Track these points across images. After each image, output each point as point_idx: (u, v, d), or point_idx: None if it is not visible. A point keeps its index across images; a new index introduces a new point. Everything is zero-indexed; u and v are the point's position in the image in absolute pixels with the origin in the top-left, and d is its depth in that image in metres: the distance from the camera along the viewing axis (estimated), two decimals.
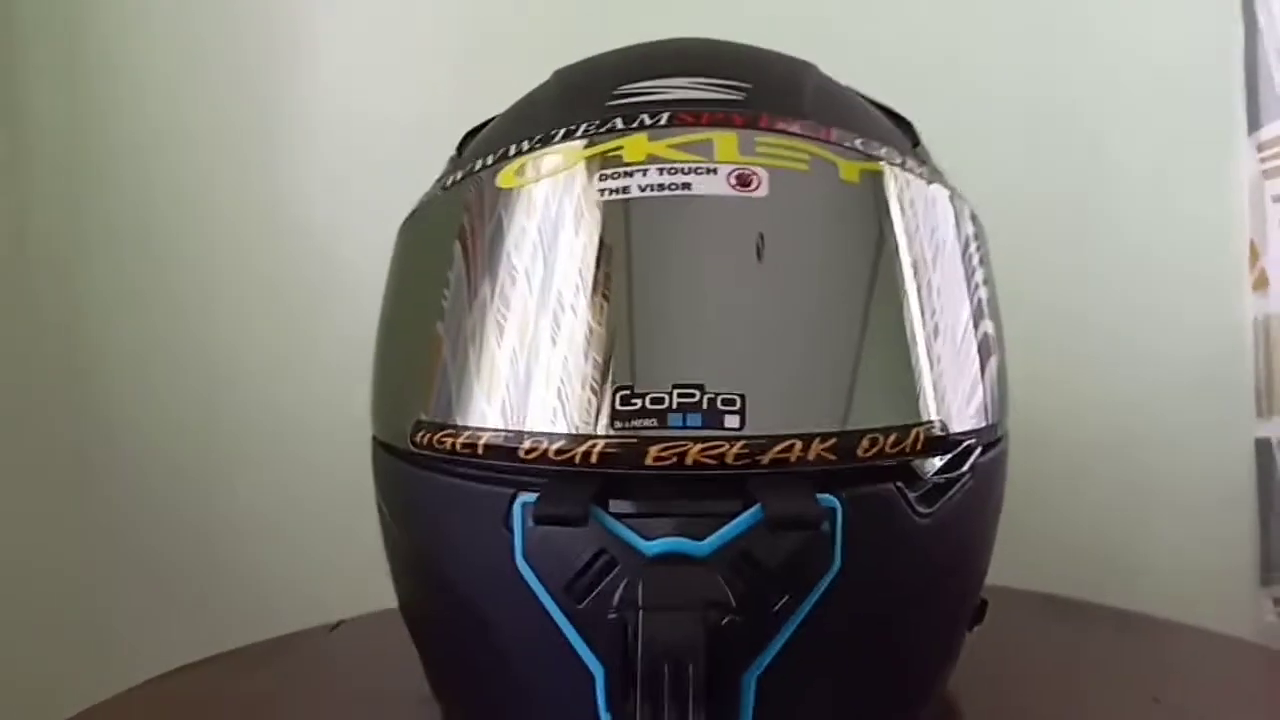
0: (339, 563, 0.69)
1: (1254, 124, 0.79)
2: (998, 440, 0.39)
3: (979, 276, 0.40)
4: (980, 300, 0.40)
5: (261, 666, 0.56)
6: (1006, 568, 0.43)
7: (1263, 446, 0.79)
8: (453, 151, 0.46)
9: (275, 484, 0.81)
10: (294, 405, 0.81)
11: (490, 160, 0.38)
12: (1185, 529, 0.79)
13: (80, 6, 0.83)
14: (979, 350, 0.38)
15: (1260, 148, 0.78)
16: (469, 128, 0.46)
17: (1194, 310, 0.81)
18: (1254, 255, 0.79)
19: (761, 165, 0.35)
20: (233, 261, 0.83)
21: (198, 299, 0.83)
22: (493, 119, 0.45)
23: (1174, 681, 0.50)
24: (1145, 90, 0.81)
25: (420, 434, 0.35)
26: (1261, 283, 0.78)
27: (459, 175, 0.39)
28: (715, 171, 0.35)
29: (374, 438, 0.41)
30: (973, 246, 0.40)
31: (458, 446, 0.34)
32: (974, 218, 0.41)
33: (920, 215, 0.38)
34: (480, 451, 0.33)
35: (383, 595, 0.43)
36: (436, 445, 0.34)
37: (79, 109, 0.84)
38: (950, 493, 0.35)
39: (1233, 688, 0.53)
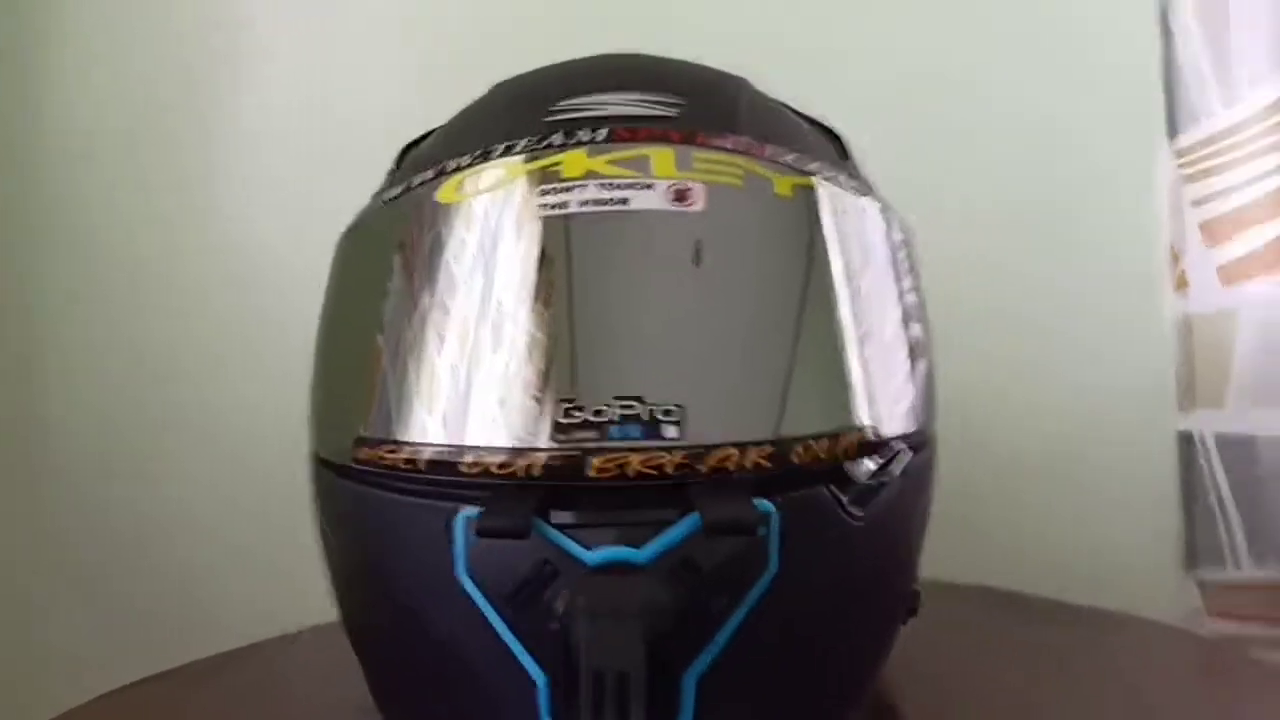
0: (280, 569, 0.69)
1: (1173, 131, 0.82)
2: (926, 443, 0.41)
3: (907, 283, 0.41)
4: (908, 305, 0.41)
5: (209, 681, 0.55)
6: (940, 562, 0.45)
7: (1185, 439, 0.82)
8: (390, 163, 0.46)
9: (210, 487, 0.80)
10: (231, 409, 0.81)
11: (430, 175, 0.39)
12: (1113, 520, 0.82)
13: (12, 7, 0.81)
14: (908, 354, 0.40)
15: (1179, 154, 0.81)
16: (407, 131, 0.46)
17: (1118, 311, 0.84)
18: (1174, 258, 0.82)
19: (698, 180, 0.36)
20: (168, 263, 0.82)
21: (132, 301, 0.82)
22: (431, 132, 0.45)
23: (1110, 668, 0.52)
24: (1066, 99, 0.83)
25: (361, 450, 0.36)
26: (1182, 284, 0.82)
27: (398, 191, 0.40)
28: (653, 187, 0.36)
29: (313, 454, 0.41)
30: (901, 254, 0.42)
31: (400, 463, 0.34)
32: (904, 226, 0.42)
33: (851, 227, 0.39)
34: (422, 467, 0.34)
35: (328, 606, 0.43)
36: (377, 461, 0.35)
37: (10, 109, 0.82)
38: (882, 495, 0.36)
39: (1166, 672, 0.55)
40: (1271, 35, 0.72)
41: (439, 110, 0.46)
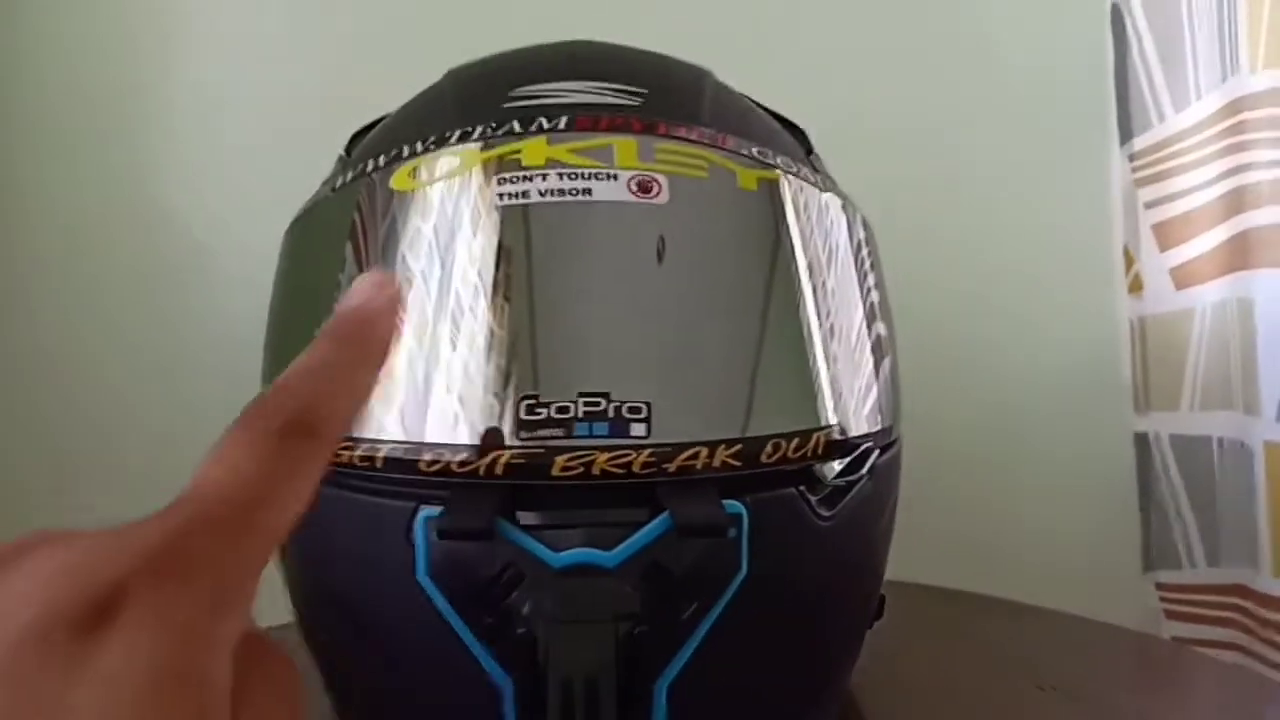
0: None
1: (1125, 135, 0.83)
2: (893, 443, 0.40)
3: (871, 280, 0.41)
4: (873, 303, 0.40)
5: None
6: (896, 562, 0.44)
7: (1141, 440, 0.83)
8: (335, 149, 0.45)
9: (141, 492, 0.77)
10: (160, 407, 0.78)
11: (383, 161, 0.37)
12: (1071, 521, 0.83)
13: None
14: (873, 352, 0.39)
15: (1132, 158, 0.82)
16: (352, 122, 0.45)
17: (1074, 314, 0.85)
18: (1129, 260, 0.83)
19: (661, 172, 0.35)
20: (97, 258, 0.79)
21: (60, 297, 0.79)
22: (382, 119, 0.44)
23: (1060, 668, 0.52)
24: (1021, 104, 0.84)
25: None
26: (1136, 286, 0.82)
27: (349, 176, 0.38)
28: (616, 177, 0.35)
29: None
30: (864, 251, 0.41)
31: (355, 460, 0.33)
32: (865, 224, 0.42)
33: (815, 222, 0.38)
34: (379, 464, 0.32)
35: (282, 609, 0.41)
36: (333, 459, 0.33)
37: None
38: (850, 495, 0.36)
39: (1117, 672, 0.55)
40: (1220, 41, 0.73)
41: (388, 100, 0.44)
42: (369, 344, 0.21)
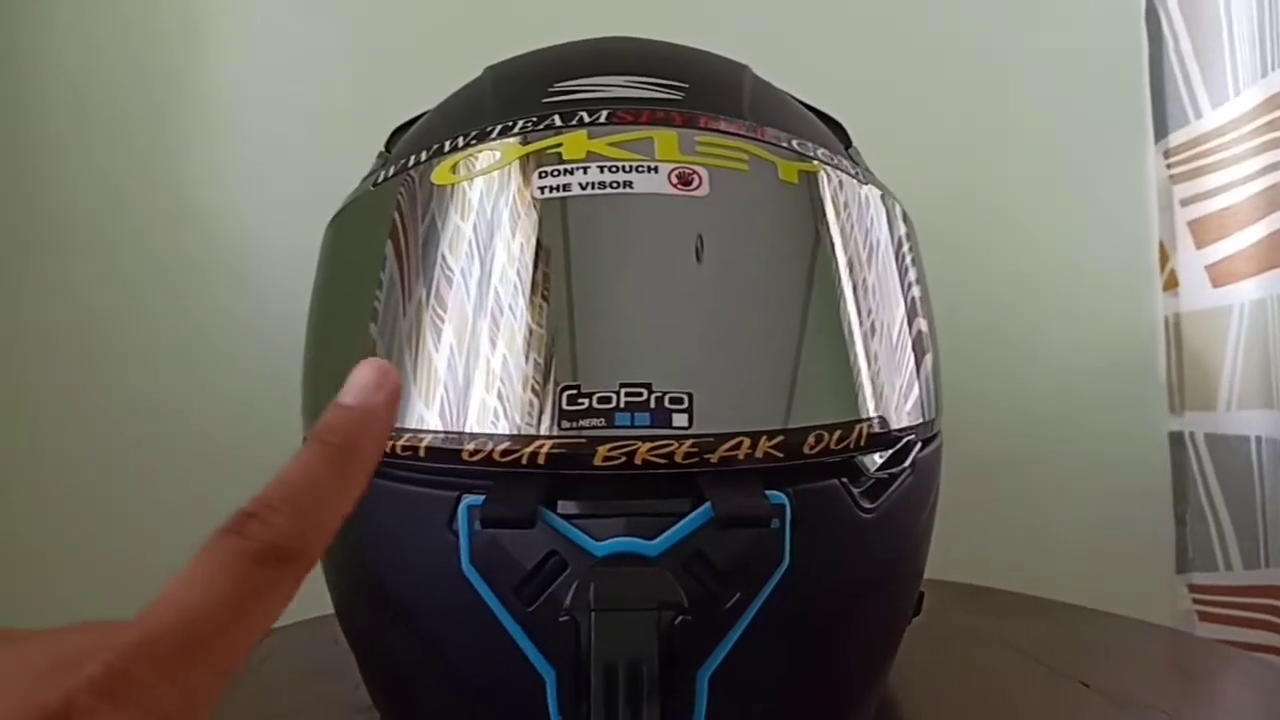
0: None
1: (1161, 131, 0.82)
2: (934, 436, 0.40)
3: (912, 276, 0.41)
4: (914, 299, 0.40)
5: None
6: (929, 561, 0.44)
7: (1176, 440, 0.82)
8: (368, 147, 0.45)
9: (180, 483, 0.78)
10: (196, 402, 0.78)
11: (424, 156, 0.37)
12: (1104, 521, 0.82)
13: None
14: (914, 348, 0.39)
15: (1167, 154, 0.81)
16: (386, 119, 0.45)
17: (1109, 311, 0.84)
18: (1164, 257, 0.82)
19: (702, 164, 0.35)
20: (137, 257, 0.80)
21: (97, 294, 0.80)
22: (422, 115, 0.44)
23: (1100, 666, 0.52)
24: (1056, 102, 0.84)
25: None
26: (1172, 283, 0.82)
27: (390, 171, 0.38)
28: (656, 170, 0.35)
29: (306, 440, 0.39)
30: (905, 246, 0.41)
31: (398, 449, 0.33)
32: (906, 217, 0.42)
33: (855, 215, 0.38)
34: (422, 454, 0.33)
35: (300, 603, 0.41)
36: None
37: None
38: (892, 488, 0.36)
39: (1156, 670, 0.54)
40: (1260, 37, 0.72)
41: (427, 97, 0.45)
42: (360, 454, 0.21)
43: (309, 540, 0.19)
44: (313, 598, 0.40)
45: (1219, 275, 0.77)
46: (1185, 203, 0.80)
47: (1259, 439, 0.73)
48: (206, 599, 0.17)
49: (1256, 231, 0.73)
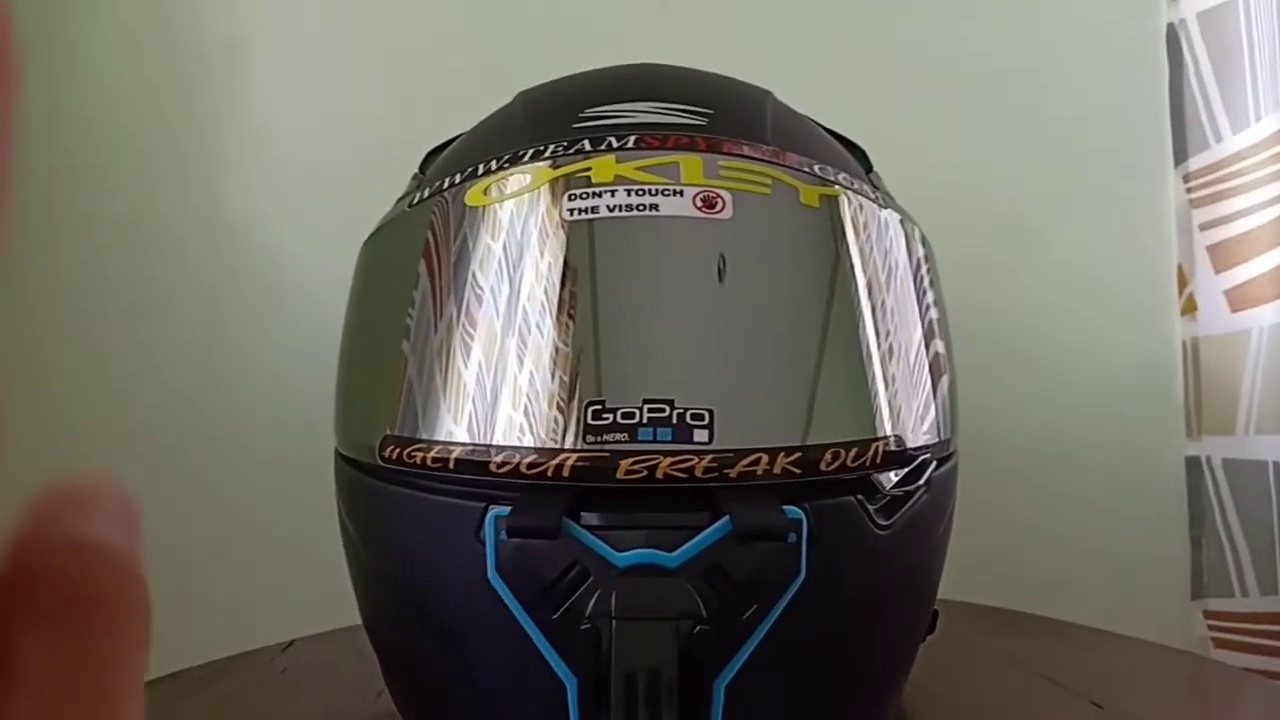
0: (275, 577, 0.68)
1: (1180, 156, 0.83)
2: (950, 455, 0.41)
3: (930, 298, 0.42)
4: (931, 321, 0.41)
5: (203, 690, 0.54)
6: (944, 581, 0.45)
7: (1193, 464, 0.82)
8: (402, 169, 0.46)
9: (206, 500, 0.79)
10: (225, 419, 0.80)
11: (458, 179, 0.39)
12: (1119, 545, 0.82)
13: (15, 6, 0.81)
14: (931, 369, 0.40)
15: (1187, 178, 0.82)
16: (419, 142, 0.47)
17: (1127, 334, 0.84)
18: (1182, 281, 0.83)
19: (725, 188, 0.36)
20: (167, 271, 0.81)
21: (131, 306, 0.81)
22: (455, 138, 0.45)
23: (1114, 688, 0.52)
24: (1077, 124, 0.84)
25: (389, 448, 0.35)
26: (1190, 307, 0.82)
27: (425, 193, 0.40)
28: (682, 193, 0.36)
29: (338, 452, 0.41)
30: (924, 269, 0.42)
31: (428, 460, 0.34)
32: (924, 241, 0.43)
33: (875, 239, 0.39)
34: (452, 465, 0.34)
35: (321, 615, 0.42)
36: (406, 459, 0.35)
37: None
38: (907, 506, 0.36)
39: (1172, 693, 0.54)
40: (1279, 62, 0.73)
41: (455, 118, 0.46)
42: None
43: None
44: (336, 609, 0.42)
45: (1238, 300, 0.77)
46: (1204, 227, 0.80)
47: (1277, 464, 0.73)
48: None
49: (1276, 256, 0.73)
